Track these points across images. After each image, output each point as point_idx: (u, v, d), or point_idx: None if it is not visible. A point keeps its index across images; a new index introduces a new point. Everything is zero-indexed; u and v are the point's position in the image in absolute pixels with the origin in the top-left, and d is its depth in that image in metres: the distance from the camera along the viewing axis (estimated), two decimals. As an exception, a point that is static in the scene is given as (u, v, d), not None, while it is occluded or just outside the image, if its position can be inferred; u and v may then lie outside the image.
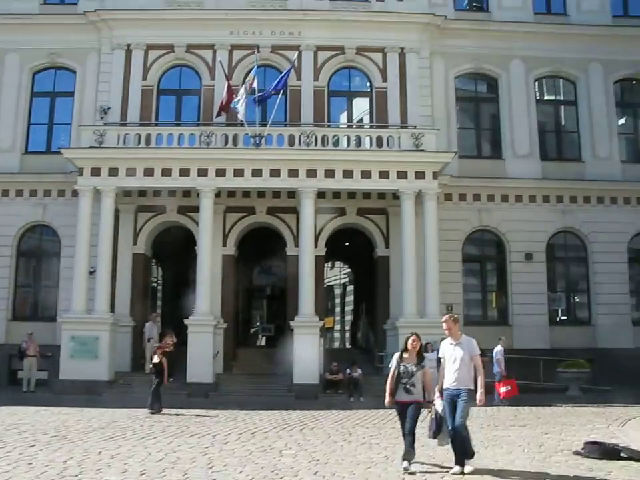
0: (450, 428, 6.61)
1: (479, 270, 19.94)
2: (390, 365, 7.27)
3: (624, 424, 10.71)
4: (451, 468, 6.57)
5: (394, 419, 10.91)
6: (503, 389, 14.98)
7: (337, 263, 31.99)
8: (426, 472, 6.62)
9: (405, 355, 7.14)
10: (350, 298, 31.94)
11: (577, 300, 20.37)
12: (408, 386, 6.90)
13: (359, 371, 16.24)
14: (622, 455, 7.51)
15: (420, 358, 7.09)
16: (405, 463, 6.68)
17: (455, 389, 6.72)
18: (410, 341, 7.17)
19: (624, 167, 20.04)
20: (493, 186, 19.26)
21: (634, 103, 21.41)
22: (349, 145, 17.95)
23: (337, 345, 32.02)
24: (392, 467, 7.00)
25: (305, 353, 16.15)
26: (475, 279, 19.99)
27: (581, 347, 18.29)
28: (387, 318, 18.17)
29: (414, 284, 16.85)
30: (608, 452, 7.58)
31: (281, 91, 17.85)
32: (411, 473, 6.44)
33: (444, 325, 7.04)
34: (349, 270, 31.00)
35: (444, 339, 14.57)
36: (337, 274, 34.67)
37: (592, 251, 19.41)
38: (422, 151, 17.27)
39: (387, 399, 7.07)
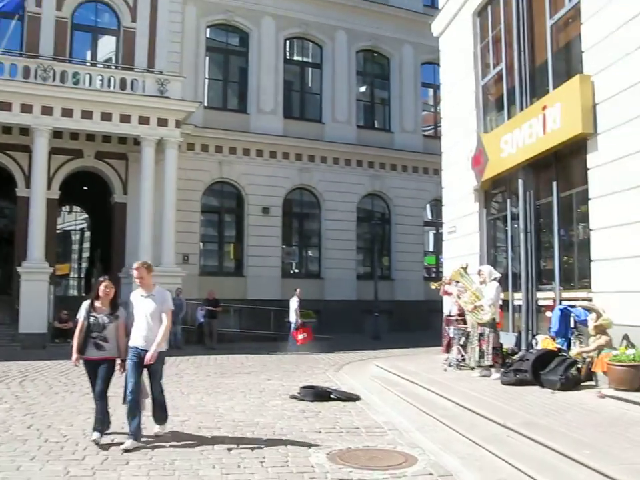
0: (130, 391, 6.92)
1: (217, 221, 24.65)
2: (78, 316, 7.17)
3: (339, 369, 13.99)
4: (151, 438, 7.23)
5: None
6: (300, 336, 19.05)
7: (76, 208, 35.69)
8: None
9: (97, 304, 7.05)
10: (88, 244, 35.95)
11: (310, 254, 26.40)
12: (99, 340, 6.93)
13: None
14: (332, 396, 9.70)
15: (114, 307, 7.05)
16: (96, 435, 6.87)
17: (142, 349, 6.90)
18: (102, 287, 7.07)
19: (359, 132, 26.27)
20: (236, 139, 23.84)
21: (372, 73, 27.87)
22: (90, 84, 20.49)
23: (73, 292, 35.99)
24: (112, 417, 7.66)
25: (33, 301, 18.74)
26: (213, 230, 24.67)
27: (311, 298, 23.44)
28: (122, 266, 21.84)
29: (150, 232, 20.46)
30: (320, 394, 9.73)
31: (16, 16, 21.00)
32: (102, 446, 6.78)
33: (135, 273, 7.07)
34: (87, 215, 35.01)
35: (179, 289, 20.04)
36: (75, 219, 38.38)
37: (325, 209, 25.47)
38: (167, 97, 20.81)
39: (74, 357, 7.01)
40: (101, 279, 7.29)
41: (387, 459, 6.58)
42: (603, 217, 9.54)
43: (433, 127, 28.56)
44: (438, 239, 27.66)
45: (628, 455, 5.72)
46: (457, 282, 12.68)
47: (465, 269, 11.13)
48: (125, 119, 20.59)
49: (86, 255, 38.76)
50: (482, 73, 14.13)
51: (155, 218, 20.79)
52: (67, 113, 19.88)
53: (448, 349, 13.30)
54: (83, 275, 36.05)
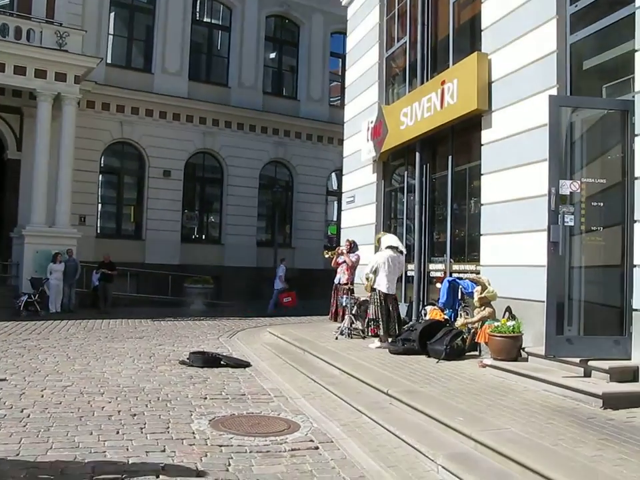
0: None
1: (116, 183, 23.95)
2: None
3: (232, 336, 13.97)
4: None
5: (9, 331, 13.48)
6: (285, 300, 20.99)
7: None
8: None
9: None
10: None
11: (211, 219, 26.06)
12: None
13: None
14: (222, 362, 9.70)
15: None
16: None
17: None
18: None
19: (266, 98, 25.96)
20: (138, 99, 23.07)
21: (282, 39, 27.54)
22: None
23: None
24: None
25: None
26: (112, 192, 24.03)
27: (210, 264, 23.78)
28: (14, 225, 21.00)
29: (45, 192, 19.81)
30: (209, 360, 9.69)
31: None
32: None
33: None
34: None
35: (70, 249, 19.34)
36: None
37: (228, 174, 25.14)
38: (65, 51, 19.92)
39: None
40: None
41: (269, 426, 6.59)
42: (493, 192, 9.77)
43: (340, 97, 28.47)
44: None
45: (499, 422, 5.91)
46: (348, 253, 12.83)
47: (378, 238, 11.28)
48: (20, 70, 19.54)
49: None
50: (386, 45, 14.10)
51: (50, 177, 20.07)
52: (-46, 59, 18.49)
53: (336, 318, 13.40)
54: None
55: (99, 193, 23.36)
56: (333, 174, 27.71)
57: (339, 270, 13.36)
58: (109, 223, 24.07)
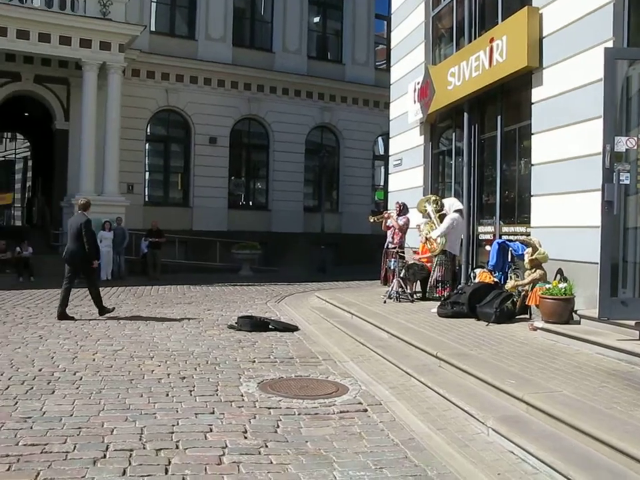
0: None
1: (162, 150, 24.13)
2: None
3: (280, 300, 14.10)
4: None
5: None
6: None
7: (20, 135, 34.56)
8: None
9: None
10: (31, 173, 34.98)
11: (258, 186, 26.19)
12: None
13: (30, 249, 18.73)
14: (270, 326, 9.80)
15: None
16: None
17: None
18: None
19: (310, 63, 25.70)
20: (183, 66, 23.07)
21: (325, 2, 27.07)
22: (25, 1, 19.40)
23: (17, 223, 35.19)
24: (43, 347, 8.25)
25: None
26: (158, 159, 24.23)
27: (257, 229, 23.90)
28: (64, 195, 21.41)
29: (93, 161, 20.04)
30: (257, 324, 9.79)
31: None
32: None
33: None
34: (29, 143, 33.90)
35: (119, 218, 19.61)
36: (19, 147, 37.22)
37: (274, 140, 25.08)
38: (109, 20, 20.01)
39: None
40: None
41: (318, 389, 6.61)
42: (544, 152, 9.52)
43: (385, 60, 28.07)
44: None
45: (551, 385, 5.80)
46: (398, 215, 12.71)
47: (434, 200, 11.09)
48: (65, 40, 19.67)
49: (29, 184, 37.89)
50: (433, 3, 13.75)
51: (97, 146, 20.28)
52: (1, 31, 18.92)
53: (385, 281, 13.36)
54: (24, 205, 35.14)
55: (146, 161, 23.56)
56: (380, 138, 27.27)
57: (388, 233, 13.25)
58: (156, 190, 24.29)
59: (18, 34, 19.06)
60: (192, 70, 23.65)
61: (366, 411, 5.92)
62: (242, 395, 6.27)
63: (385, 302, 11.80)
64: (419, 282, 12.27)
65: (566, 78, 9.04)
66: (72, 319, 10.91)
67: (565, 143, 9.02)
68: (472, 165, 11.87)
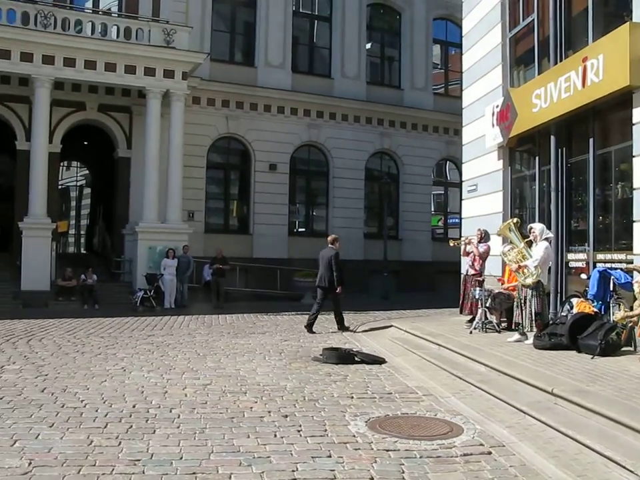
0: None
1: (222, 178, 24.10)
2: None
3: (355, 330, 13.83)
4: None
5: (131, 327, 13.82)
6: None
7: (74, 163, 35.11)
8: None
9: None
10: (87, 201, 35.37)
11: (318, 212, 25.84)
12: None
13: (94, 277, 18.91)
14: (356, 359, 9.45)
15: None
16: None
17: None
18: None
19: (369, 88, 25.56)
20: (243, 93, 23.13)
21: (383, 27, 27.01)
22: (93, 32, 19.90)
23: (71, 250, 35.61)
24: (129, 380, 7.99)
25: (35, 257, 18.44)
26: (218, 187, 24.14)
27: (316, 257, 24.17)
28: (126, 222, 21.45)
29: (156, 188, 20.15)
30: (344, 357, 9.46)
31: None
32: None
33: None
34: (86, 171, 34.34)
35: (186, 246, 19.49)
36: (74, 175, 37.81)
37: (333, 166, 24.94)
38: (173, 48, 20.22)
39: None
40: None
41: (430, 428, 6.20)
42: (648, 175, 9.02)
43: (443, 84, 27.86)
44: (445, 199, 27.32)
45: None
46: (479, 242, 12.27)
47: (515, 224, 10.50)
48: (130, 69, 20.02)
49: (85, 211, 38.36)
50: (510, 25, 13.40)
51: (160, 173, 20.43)
52: (69, 62, 19.28)
53: (462, 310, 12.88)
54: (83, 232, 35.51)
55: (206, 189, 23.48)
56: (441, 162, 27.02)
57: (466, 260, 12.80)
58: (216, 218, 24.17)
59: (86, 64, 19.48)
60: (251, 97, 23.70)
61: (490, 453, 5.48)
62: (354, 436, 5.90)
63: (470, 332, 11.35)
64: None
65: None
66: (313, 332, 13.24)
67: (673, 166, 8.52)
68: (560, 189, 11.40)
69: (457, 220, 26.58)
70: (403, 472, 5.00)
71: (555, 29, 11.56)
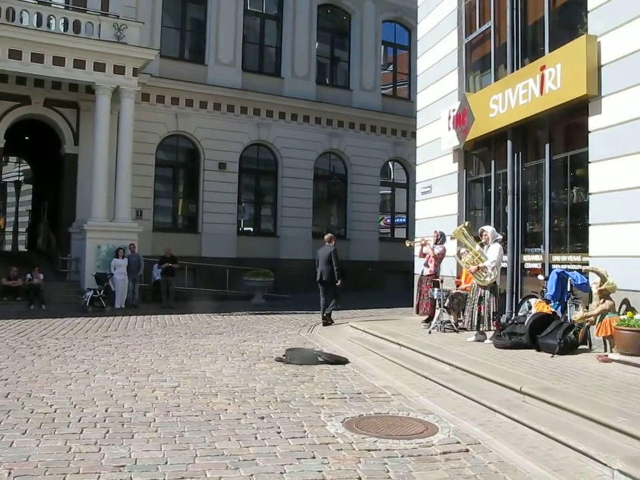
0: None
1: (171, 176, 23.85)
2: None
3: (311, 330, 13.94)
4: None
5: (84, 328, 13.49)
6: None
7: (12, 158, 34.13)
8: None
9: None
10: (26, 197, 34.47)
11: (266, 212, 25.76)
12: None
13: (41, 276, 18.31)
14: (319, 359, 9.54)
15: None
16: None
17: None
18: None
19: (318, 88, 25.64)
20: (193, 91, 22.93)
21: (333, 28, 27.13)
22: (40, 24, 19.20)
23: (8, 247, 34.59)
24: (95, 383, 7.92)
25: None
26: (167, 185, 23.87)
27: (266, 256, 23.69)
28: (72, 220, 21.00)
29: (105, 186, 19.70)
30: (308, 357, 9.54)
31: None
32: None
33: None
34: (27, 167, 33.46)
35: (132, 244, 19.18)
36: (11, 170, 36.77)
37: (282, 166, 24.92)
38: (124, 43, 19.79)
39: None
40: None
41: (406, 427, 6.33)
42: (604, 180, 9.39)
43: (391, 85, 28.19)
44: (392, 199, 27.65)
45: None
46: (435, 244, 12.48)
47: (467, 227, 10.75)
48: (79, 64, 19.47)
49: (24, 208, 37.38)
50: (466, 31, 13.69)
51: (109, 171, 20.05)
52: (14, 54, 18.58)
53: (418, 310, 13.09)
54: (23, 230, 34.58)
55: (154, 187, 23.14)
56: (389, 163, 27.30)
57: (421, 261, 13.03)
58: (165, 216, 23.87)
59: (32, 57, 18.85)
60: (201, 95, 23.48)
61: (468, 451, 5.65)
62: (334, 436, 5.97)
63: (430, 332, 11.56)
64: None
65: (628, 107, 8.93)
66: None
67: (628, 172, 8.89)
68: (516, 192, 11.71)
69: (404, 220, 26.99)
70: (388, 471, 5.10)
71: (512, 36, 11.87)
